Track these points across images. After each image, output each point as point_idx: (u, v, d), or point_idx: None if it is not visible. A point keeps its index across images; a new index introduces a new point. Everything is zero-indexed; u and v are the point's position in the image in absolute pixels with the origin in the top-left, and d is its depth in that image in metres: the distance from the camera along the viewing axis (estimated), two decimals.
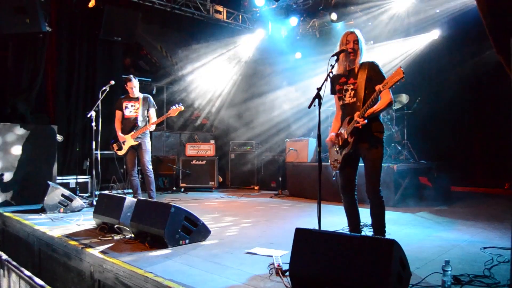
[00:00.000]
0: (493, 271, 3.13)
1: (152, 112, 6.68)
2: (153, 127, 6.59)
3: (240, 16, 10.99)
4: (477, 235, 4.56)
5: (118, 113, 6.68)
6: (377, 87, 3.38)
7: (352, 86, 3.72)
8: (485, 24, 3.12)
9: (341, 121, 3.86)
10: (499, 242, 4.14)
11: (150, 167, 6.57)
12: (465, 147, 8.85)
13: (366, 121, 3.49)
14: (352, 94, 3.71)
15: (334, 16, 9.36)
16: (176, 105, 6.53)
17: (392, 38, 9.21)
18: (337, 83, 3.88)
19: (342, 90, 3.81)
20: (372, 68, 3.64)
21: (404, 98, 8.12)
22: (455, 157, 8.65)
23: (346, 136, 3.72)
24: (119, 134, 6.59)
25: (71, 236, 4.46)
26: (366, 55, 3.78)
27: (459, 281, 2.89)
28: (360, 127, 3.51)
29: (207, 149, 9.64)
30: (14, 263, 3.29)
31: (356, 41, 3.69)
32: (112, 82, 6.76)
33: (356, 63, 3.72)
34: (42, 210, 5.95)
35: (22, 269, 3.11)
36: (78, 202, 6.31)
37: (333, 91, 3.99)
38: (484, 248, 3.88)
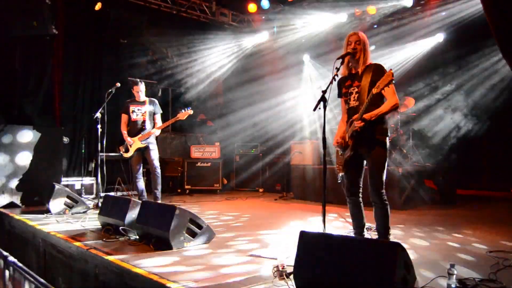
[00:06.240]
0: (499, 275, 3.11)
1: (158, 116, 6.71)
2: (158, 132, 6.61)
3: (246, 19, 11.00)
4: (483, 238, 4.53)
5: (124, 117, 6.70)
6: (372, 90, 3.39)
7: (356, 89, 3.71)
8: (492, 28, 3.11)
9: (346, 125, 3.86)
10: (505, 245, 4.11)
11: (159, 167, 6.59)
12: (471, 150, 8.81)
13: (363, 123, 3.48)
14: (356, 98, 3.70)
15: (343, 17, 9.39)
16: (185, 108, 6.57)
17: (397, 41, 9.19)
18: (344, 86, 3.88)
19: (348, 93, 3.81)
20: (376, 71, 3.61)
21: (411, 101, 8.10)
22: (461, 160, 8.60)
23: (347, 139, 3.73)
24: (126, 136, 6.60)
25: (76, 237, 4.48)
26: (372, 58, 3.78)
27: (464, 285, 2.87)
28: (359, 129, 3.50)
29: (212, 151, 9.65)
30: (20, 264, 3.31)
31: (358, 42, 3.68)
32: (118, 85, 6.78)
33: (360, 65, 3.71)
34: (48, 212, 5.97)
35: (28, 270, 3.13)
36: (83, 203, 6.34)
37: (340, 94, 3.99)
38: (490, 251, 3.86)
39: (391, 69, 3.25)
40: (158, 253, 3.84)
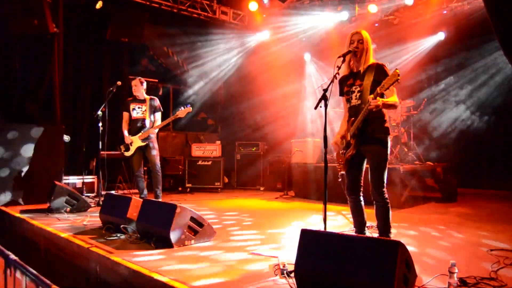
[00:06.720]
0: (500, 273, 3.11)
1: (158, 115, 6.69)
2: (156, 130, 6.61)
3: (246, 17, 10.99)
4: (484, 237, 4.53)
5: (125, 115, 6.69)
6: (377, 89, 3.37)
7: (358, 88, 3.69)
8: (493, 25, 3.11)
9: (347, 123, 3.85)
10: (506, 244, 4.11)
11: (159, 166, 6.59)
12: (472, 148, 8.80)
13: (378, 102, 3.34)
14: (358, 96, 3.69)
15: (345, 15, 9.40)
16: (185, 106, 6.56)
17: (398, 40, 9.18)
18: (345, 85, 3.86)
19: (349, 92, 3.80)
20: (379, 70, 3.61)
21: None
22: (462, 158, 8.60)
23: (348, 138, 3.72)
24: (126, 135, 6.60)
25: (77, 235, 4.48)
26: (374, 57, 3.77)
27: (465, 284, 2.87)
28: (375, 109, 3.38)
29: (213, 149, 9.65)
30: (21, 262, 3.31)
31: (361, 41, 3.67)
32: (119, 83, 6.78)
33: (362, 63, 3.69)
34: (49, 210, 5.97)
35: (29, 268, 3.13)
36: (84, 202, 6.34)
37: (341, 93, 3.97)
38: (491, 250, 3.85)
39: (396, 69, 3.22)
40: (159, 251, 3.84)
